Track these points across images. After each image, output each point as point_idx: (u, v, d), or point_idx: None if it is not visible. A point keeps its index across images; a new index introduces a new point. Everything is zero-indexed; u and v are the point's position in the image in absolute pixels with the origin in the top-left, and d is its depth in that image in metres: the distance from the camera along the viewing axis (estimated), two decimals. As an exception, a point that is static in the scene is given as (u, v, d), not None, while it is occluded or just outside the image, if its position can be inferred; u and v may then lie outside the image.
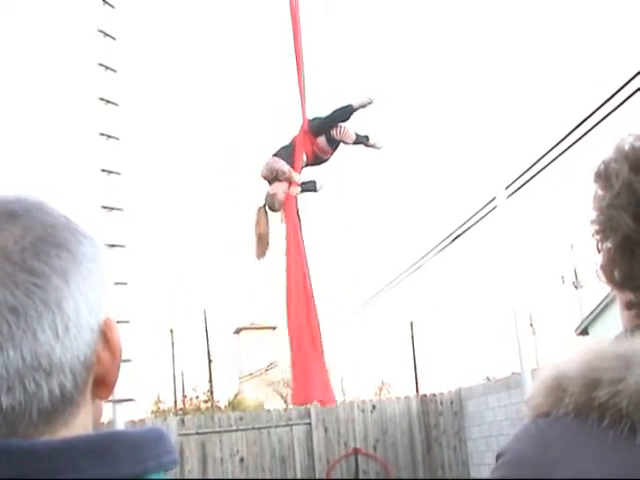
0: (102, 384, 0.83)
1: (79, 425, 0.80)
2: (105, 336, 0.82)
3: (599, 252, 1.08)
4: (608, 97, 9.02)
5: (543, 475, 0.93)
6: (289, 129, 8.89)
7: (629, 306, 1.06)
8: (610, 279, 1.07)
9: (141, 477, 0.77)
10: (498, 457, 1.02)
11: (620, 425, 0.91)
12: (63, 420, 0.78)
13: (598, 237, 1.07)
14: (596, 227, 1.07)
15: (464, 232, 13.43)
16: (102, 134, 6.88)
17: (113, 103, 6.99)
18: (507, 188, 10.99)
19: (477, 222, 12.92)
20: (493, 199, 11.27)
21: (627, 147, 1.06)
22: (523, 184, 11.42)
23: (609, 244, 1.05)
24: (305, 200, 8.90)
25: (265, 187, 8.66)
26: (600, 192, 1.07)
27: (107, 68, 7.01)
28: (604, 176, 1.07)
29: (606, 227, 1.05)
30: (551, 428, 0.97)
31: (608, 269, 1.06)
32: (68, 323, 0.76)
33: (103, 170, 6.82)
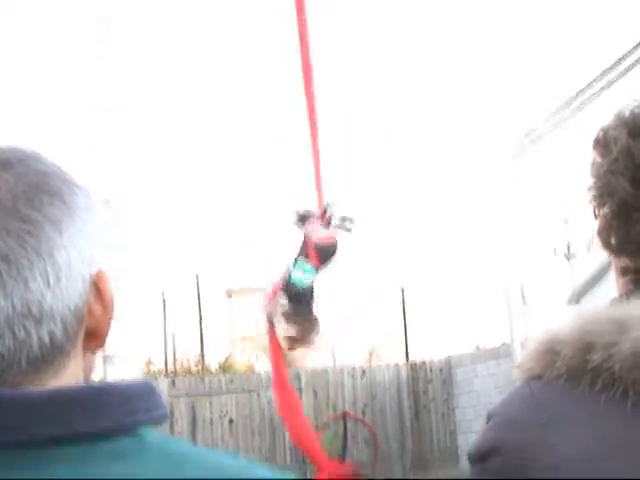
0: (93, 336, 0.83)
1: (70, 375, 0.80)
2: (97, 288, 0.82)
3: (596, 218, 1.08)
4: (608, 66, 8.92)
5: (534, 437, 0.93)
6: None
7: (624, 272, 1.06)
8: (606, 245, 1.07)
9: (131, 430, 0.77)
10: (489, 418, 1.02)
11: (612, 389, 0.91)
12: (53, 370, 0.77)
13: (595, 203, 1.07)
14: (593, 193, 1.07)
15: (457, 200, 13.40)
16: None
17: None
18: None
19: (471, 192, 12.90)
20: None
21: (627, 113, 1.06)
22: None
23: (606, 210, 1.05)
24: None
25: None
26: (598, 159, 1.07)
27: None
28: (603, 143, 1.06)
29: (604, 192, 1.05)
30: (543, 391, 0.97)
31: (605, 235, 1.06)
32: (59, 272, 0.76)
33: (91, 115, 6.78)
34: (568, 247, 29.16)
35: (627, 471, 0.88)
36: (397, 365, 15.45)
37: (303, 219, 7.23)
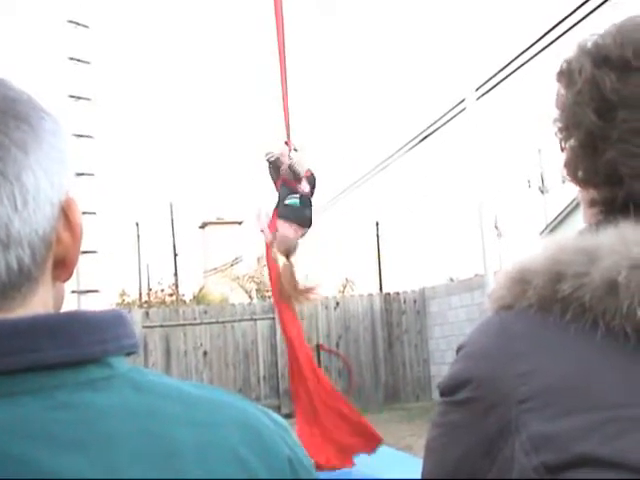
0: (62, 265, 0.81)
1: (38, 304, 0.77)
2: (66, 215, 0.80)
3: (562, 151, 1.08)
4: (580, 3, 8.95)
5: (505, 368, 0.93)
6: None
7: (592, 203, 1.06)
8: (574, 177, 1.07)
9: (100, 359, 0.75)
10: (459, 349, 1.02)
11: (582, 319, 0.91)
12: (21, 297, 0.75)
13: (561, 135, 1.07)
14: (559, 125, 1.07)
15: (432, 133, 13.36)
16: (71, 22, 6.66)
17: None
18: (477, 90, 10.90)
19: (446, 123, 12.86)
20: (463, 100, 11.20)
21: (589, 45, 1.05)
22: (493, 86, 11.35)
23: (573, 142, 1.05)
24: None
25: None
26: (563, 91, 1.07)
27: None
28: (567, 74, 1.06)
29: (569, 124, 1.05)
30: (514, 321, 0.97)
31: (572, 167, 1.06)
32: (27, 196, 0.74)
33: (71, 59, 6.65)
34: (542, 178, 29.34)
35: (599, 399, 0.88)
36: (371, 296, 15.54)
37: (275, 165, 7.46)
